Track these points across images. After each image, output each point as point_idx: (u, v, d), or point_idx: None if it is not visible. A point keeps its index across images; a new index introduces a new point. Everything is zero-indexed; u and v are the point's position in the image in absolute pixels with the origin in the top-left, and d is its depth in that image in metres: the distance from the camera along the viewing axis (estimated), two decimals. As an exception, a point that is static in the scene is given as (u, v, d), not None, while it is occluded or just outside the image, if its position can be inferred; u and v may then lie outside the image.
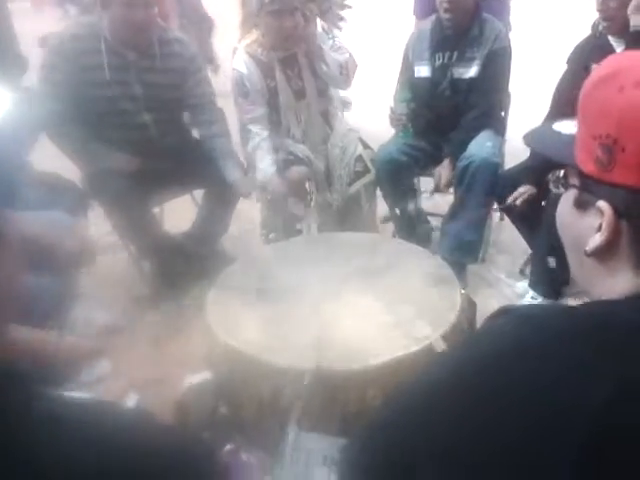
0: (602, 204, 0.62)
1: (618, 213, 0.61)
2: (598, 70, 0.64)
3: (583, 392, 0.53)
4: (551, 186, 0.70)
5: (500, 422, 0.55)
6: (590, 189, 0.64)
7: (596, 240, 0.63)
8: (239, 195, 2.50)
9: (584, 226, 0.65)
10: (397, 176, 2.64)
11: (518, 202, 2.25)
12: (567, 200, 0.68)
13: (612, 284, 0.64)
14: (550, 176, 0.70)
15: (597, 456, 0.51)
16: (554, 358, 0.56)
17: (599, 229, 0.62)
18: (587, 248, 0.64)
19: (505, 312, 0.63)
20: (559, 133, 0.71)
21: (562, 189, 0.69)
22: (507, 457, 0.54)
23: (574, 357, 0.55)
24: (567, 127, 0.70)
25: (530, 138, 0.76)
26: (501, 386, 0.56)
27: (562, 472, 0.52)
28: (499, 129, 2.68)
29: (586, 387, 0.53)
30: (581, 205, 0.66)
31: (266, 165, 2.51)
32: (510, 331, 0.60)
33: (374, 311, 1.67)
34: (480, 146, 2.49)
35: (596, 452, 0.52)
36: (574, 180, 0.67)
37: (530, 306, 0.70)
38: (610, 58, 0.65)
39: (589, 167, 0.63)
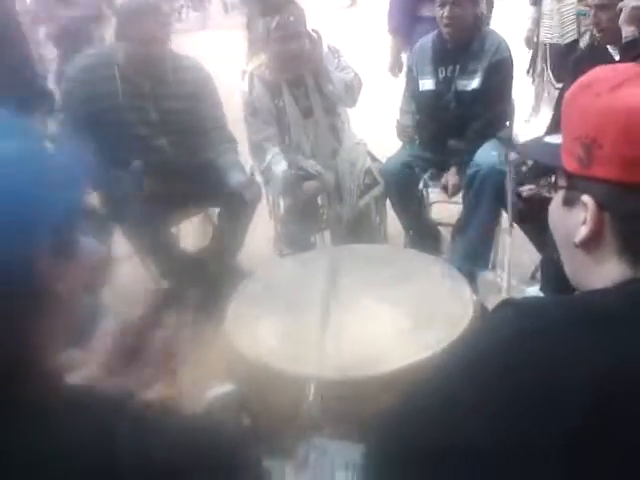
0: (585, 198, 0.68)
1: (600, 205, 0.67)
2: (578, 81, 0.71)
3: (578, 374, 0.58)
4: (544, 191, 0.77)
5: (505, 407, 0.59)
6: (575, 186, 0.70)
7: (582, 232, 0.68)
8: (245, 200, 2.52)
9: (572, 221, 0.70)
10: (406, 187, 2.70)
11: (524, 194, 2.27)
12: (557, 200, 0.74)
13: (601, 273, 0.69)
14: (542, 182, 0.78)
15: (590, 434, 0.56)
16: (551, 343, 0.60)
17: (584, 222, 0.68)
18: (575, 240, 0.69)
19: (507, 304, 0.69)
20: (548, 143, 0.78)
21: (553, 192, 0.75)
22: (512, 440, 0.58)
23: (569, 342, 0.60)
24: (555, 139, 0.76)
25: (522, 149, 0.83)
26: (504, 373, 0.61)
27: (556, 449, 0.56)
28: (504, 138, 2.73)
29: (580, 369, 0.58)
30: (568, 202, 0.72)
31: (283, 168, 2.56)
32: (511, 320, 0.65)
33: (389, 319, 1.72)
34: (486, 155, 2.55)
35: (589, 429, 0.56)
36: (562, 182, 0.73)
37: (529, 297, 0.77)
38: (589, 72, 0.72)
39: (573, 166, 0.69)
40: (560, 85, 3.63)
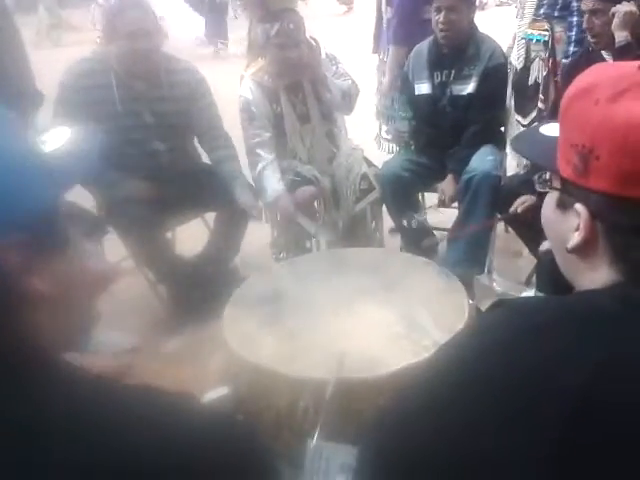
0: (579, 207, 0.66)
1: (593, 215, 0.66)
2: (576, 83, 0.68)
3: (564, 375, 0.57)
4: (537, 186, 0.75)
5: (497, 406, 0.59)
6: (569, 192, 0.69)
7: (575, 239, 0.67)
8: (250, 218, 2.57)
9: (565, 226, 0.69)
10: (401, 192, 2.71)
11: (519, 210, 2.30)
12: (551, 200, 0.73)
13: (593, 277, 0.68)
14: (536, 177, 0.76)
15: (576, 435, 0.55)
16: (542, 342, 0.60)
17: (577, 229, 0.67)
18: (568, 246, 0.68)
19: (500, 304, 0.69)
20: (544, 136, 0.75)
21: (547, 189, 0.74)
22: (497, 443, 0.58)
23: (559, 342, 0.60)
24: (553, 129, 0.73)
25: (516, 142, 0.81)
26: (497, 373, 0.60)
27: (541, 454, 0.56)
28: (499, 143, 2.75)
29: (567, 370, 0.57)
30: (562, 206, 0.70)
31: (274, 184, 2.58)
32: (503, 320, 0.65)
33: (385, 322, 1.72)
34: (481, 160, 2.56)
35: (575, 431, 0.55)
36: (556, 183, 0.71)
37: (522, 298, 0.76)
38: (587, 72, 0.69)
39: (567, 172, 0.68)
40: (519, 118, 3.40)
